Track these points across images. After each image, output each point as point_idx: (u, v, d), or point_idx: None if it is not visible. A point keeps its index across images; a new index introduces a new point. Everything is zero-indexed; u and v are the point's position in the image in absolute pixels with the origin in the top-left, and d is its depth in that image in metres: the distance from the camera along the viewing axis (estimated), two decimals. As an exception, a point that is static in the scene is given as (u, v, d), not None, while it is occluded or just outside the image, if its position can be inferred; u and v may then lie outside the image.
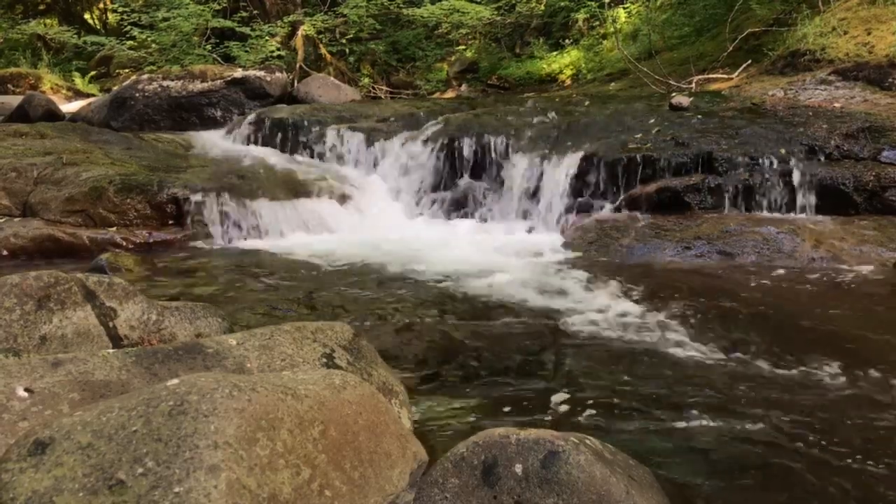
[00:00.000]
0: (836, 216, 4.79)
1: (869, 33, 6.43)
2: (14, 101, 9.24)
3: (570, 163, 5.48)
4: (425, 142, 6.21)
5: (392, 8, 11.86)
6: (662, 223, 4.90)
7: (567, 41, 11.85)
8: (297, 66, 10.98)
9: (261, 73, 8.53)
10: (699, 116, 5.83)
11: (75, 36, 12.81)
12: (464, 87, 11.85)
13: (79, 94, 12.37)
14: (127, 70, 12.44)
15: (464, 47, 12.72)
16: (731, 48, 7.75)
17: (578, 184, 5.40)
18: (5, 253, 4.64)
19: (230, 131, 7.57)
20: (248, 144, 7.10)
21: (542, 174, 5.57)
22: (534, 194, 5.58)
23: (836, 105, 5.75)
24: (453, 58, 12.56)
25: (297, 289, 3.92)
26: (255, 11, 11.88)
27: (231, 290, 3.87)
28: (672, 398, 2.51)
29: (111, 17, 16.89)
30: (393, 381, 2.18)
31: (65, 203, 5.06)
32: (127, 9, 13.31)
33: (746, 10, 8.25)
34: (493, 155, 5.91)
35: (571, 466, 1.49)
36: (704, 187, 5.01)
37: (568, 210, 5.37)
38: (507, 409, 2.44)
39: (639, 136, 5.63)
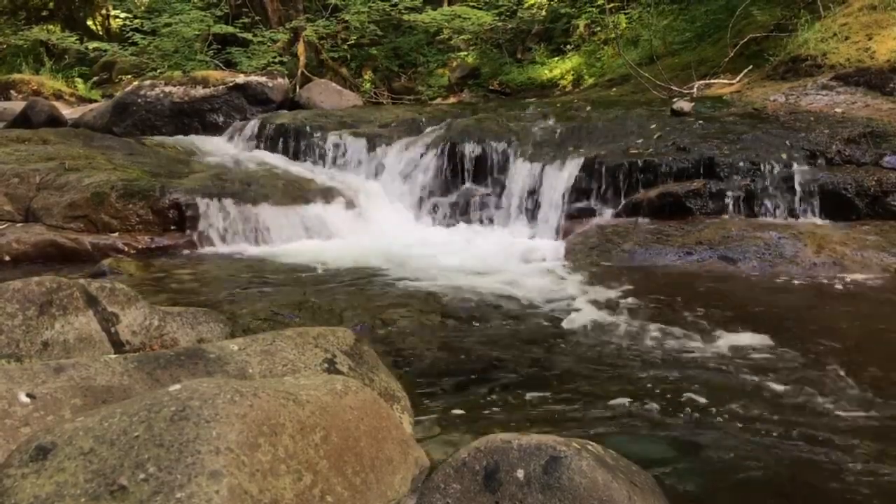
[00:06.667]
0: (837, 221, 4.78)
1: (870, 38, 6.43)
2: (17, 106, 9.26)
3: (572, 168, 5.48)
4: (427, 147, 6.21)
5: (393, 14, 11.88)
6: (664, 228, 4.89)
7: (568, 47, 11.86)
8: (299, 71, 10.99)
9: (263, 79, 8.55)
10: (700, 121, 5.83)
11: (78, 42, 12.83)
12: (465, 93, 11.86)
13: (81, 100, 12.38)
14: (129, 76, 12.45)
15: (465, 53, 12.73)
16: (732, 53, 7.75)
17: (580, 189, 5.40)
18: (7, 258, 4.65)
19: (232, 137, 7.58)
20: (250, 150, 7.11)
21: (543, 179, 5.57)
22: (535, 199, 5.58)
23: (838, 110, 5.75)
24: (455, 63, 12.56)
25: (299, 294, 3.92)
26: (256, 17, 11.90)
27: (233, 296, 3.87)
28: (675, 404, 2.51)
29: (114, 23, 16.94)
30: (394, 386, 2.18)
31: (67, 209, 5.07)
32: (129, 15, 13.34)
33: (747, 16, 8.25)
34: (495, 160, 5.91)
35: (573, 472, 1.48)
36: (706, 192, 5.01)
37: (569, 215, 5.37)
38: (508, 414, 2.44)
39: (640, 141, 5.64)
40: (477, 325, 3.41)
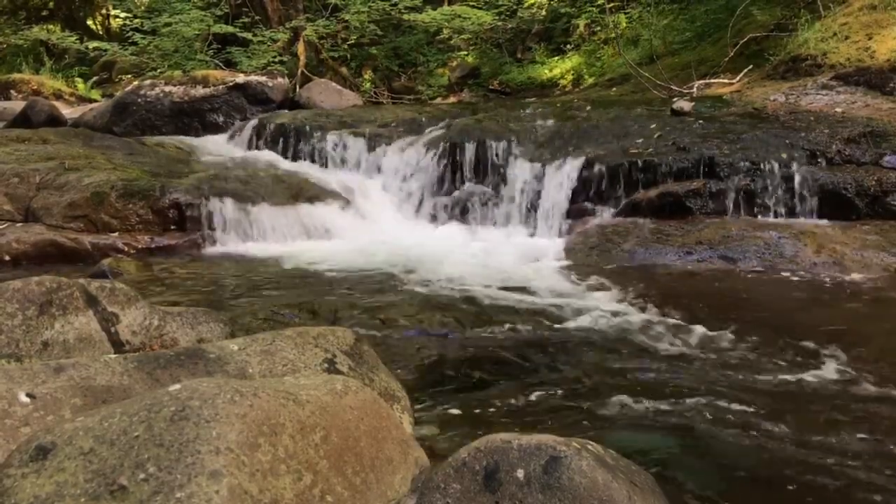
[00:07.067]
0: (837, 221, 4.78)
1: (870, 38, 6.43)
2: (17, 106, 9.26)
3: (572, 168, 5.48)
4: (427, 147, 6.21)
5: (393, 14, 11.87)
6: (664, 228, 4.89)
7: (568, 46, 11.86)
8: (299, 71, 10.99)
9: (263, 79, 8.55)
10: (701, 121, 5.83)
11: (78, 41, 12.82)
12: (465, 93, 11.85)
13: (81, 100, 12.37)
14: (129, 75, 12.45)
15: (465, 53, 12.73)
16: (732, 53, 7.75)
17: (580, 189, 5.40)
18: (7, 258, 4.65)
19: (232, 136, 7.58)
20: (250, 150, 7.11)
21: (543, 179, 5.57)
22: (535, 199, 5.58)
23: (838, 110, 5.75)
24: (454, 63, 12.56)
25: (299, 294, 3.92)
26: (256, 17, 11.89)
27: (233, 296, 3.88)
28: (675, 404, 2.50)
29: (114, 23, 16.93)
30: (394, 386, 2.18)
31: (67, 208, 5.07)
32: (129, 14, 13.35)
33: (748, 16, 8.25)
34: (495, 160, 5.91)
35: (573, 472, 1.48)
36: (706, 192, 5.01)
37: (569, 215, 5.37)
38: (508, 413, 2.44)
39: (640, 140, 5.63)
40: (477, 324, 3.41)
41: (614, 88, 8.99)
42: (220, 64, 10.88)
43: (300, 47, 11.56)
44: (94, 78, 13.80)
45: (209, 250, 5.11)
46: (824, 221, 4.82)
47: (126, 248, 4.93)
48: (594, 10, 11.43)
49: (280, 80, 8.83)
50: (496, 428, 2.27)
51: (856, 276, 4.12)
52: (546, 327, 3.39)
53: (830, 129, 5.26)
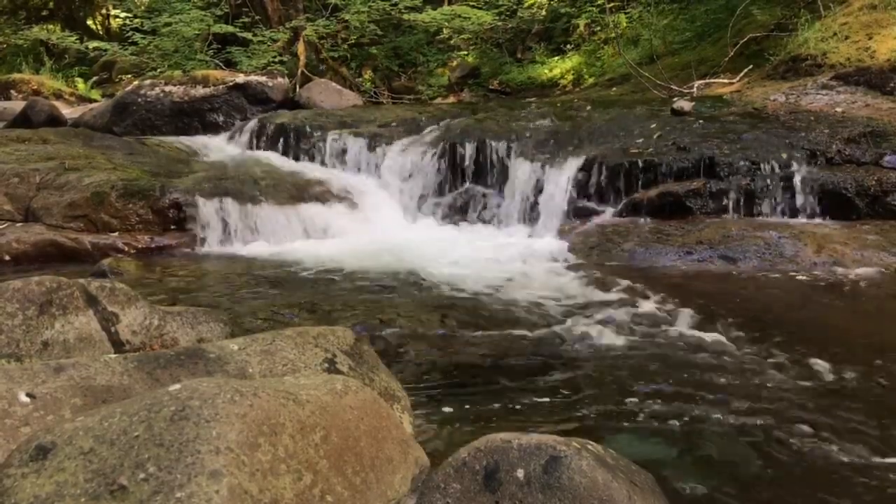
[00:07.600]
0: (837, 221, 4.79)
1: (870, 38, 6.43)
2: (17, 106, 9.26)
3: (572, 167, 5.48)
4: (427, 147, 6.21)
5: (393, 14, 11.86)
6: (664, 228, 4.89)
7: (568, 46, 11.86)
8: (299, 71, 10.98)
9: (263, 79, 8.55)
10: (701, 121, 5.83)
11: (78, 41, 12.81)
12: (465, 93, 11.85)
13: (81, 100, 12.37)
14: (129, 75, 12.45)
15: (465, 52, 12.73)
16: (732, 53, 7.75)
17: (580, 188, 5.40)
18: (7, 258, 4.65)
19: (232, 136, 7.58)
20: (250, 150, 7.11)
21: (543, 179, 5.57)
22: (535, 199, 5.57)
23: (838, 110, 5.75)
24: (454, 63, 12.56)
25: (299, 294, 3.92)
26: (256, 17, 11.88)
27: (233, 296, 3.87)
28: (675, 403, 2.50)
29: (114, 23, 16.93)
30: (394, 386, 2.18)
31: (67, 208, 5.07)
32: (129, 14, 13.35)
33: (748, 16, 8.25)
34: (495, 160, 5.91)
35: (573, 471, 1.48)
36: (706, 192, 5.01)
37: (569, 215, 5.37)
38: (508, 414, 2.44)
39: (640, 140, 5.63)
40: (477, 324, 3.41)
41: (614, 88, 8.99)
42: (220, 64, 10.87)
43: (300, 47, 11.55)
44: (94, 78, 13.80)
45: (209, 250, 5.11)
46: (824, 221, 4.82)
47: (126, 248, 4.93)
48: (594, 10, 11.43)
49: (280, 80, 8.83)
50: (496, 428, 2.27)
51: (856, 276, 4.12)
52: (546, 327, 3.39)
53: (830, 129, 5.26)
